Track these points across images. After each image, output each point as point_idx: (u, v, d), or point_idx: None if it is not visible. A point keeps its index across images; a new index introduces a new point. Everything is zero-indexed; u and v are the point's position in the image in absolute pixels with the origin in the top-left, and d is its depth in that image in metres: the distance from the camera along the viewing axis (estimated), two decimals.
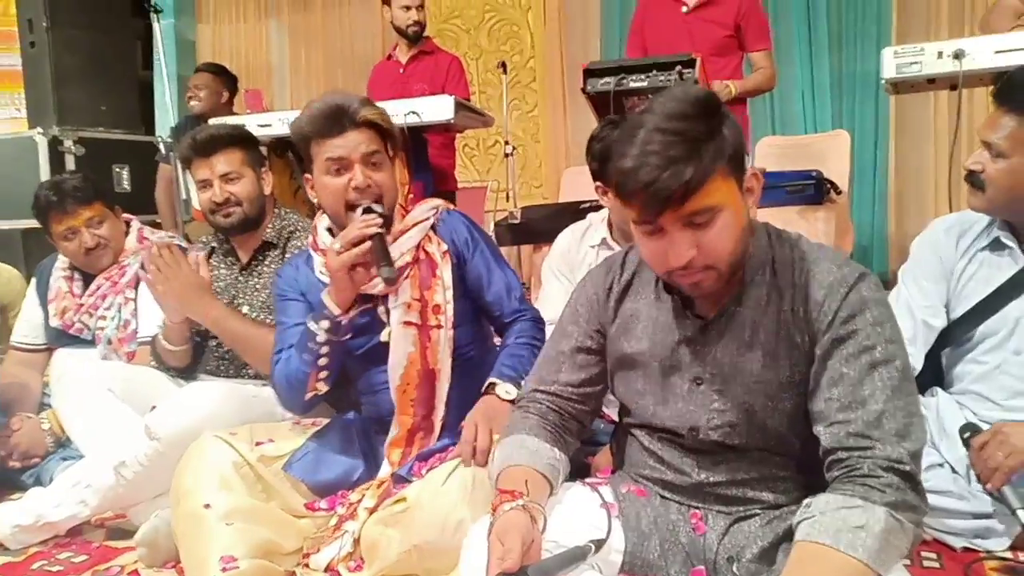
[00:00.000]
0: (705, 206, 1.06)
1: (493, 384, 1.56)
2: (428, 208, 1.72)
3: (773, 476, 1.19)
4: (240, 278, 2.03)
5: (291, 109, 4.15)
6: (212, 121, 3.17)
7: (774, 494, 1.19)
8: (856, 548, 0.96)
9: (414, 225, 1.67)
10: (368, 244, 1.51)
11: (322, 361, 1.58)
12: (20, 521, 1.76)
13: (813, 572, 0.98)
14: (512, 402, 1.50)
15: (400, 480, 1.53)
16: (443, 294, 1.64)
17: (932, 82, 2.42)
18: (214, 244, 2.09)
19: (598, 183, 2.06)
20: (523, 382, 1.47)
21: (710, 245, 1.08)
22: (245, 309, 1.99)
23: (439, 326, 1.63)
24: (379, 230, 1.53)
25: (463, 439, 1.46)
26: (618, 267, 1.31)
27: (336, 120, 1.57)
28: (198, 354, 2.05)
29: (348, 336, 1.61)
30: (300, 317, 1.66)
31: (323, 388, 1.62)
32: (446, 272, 1.65)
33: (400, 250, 1.62)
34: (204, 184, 1.97)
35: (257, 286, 2.01)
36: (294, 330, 1.64)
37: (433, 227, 1.70)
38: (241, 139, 2.01)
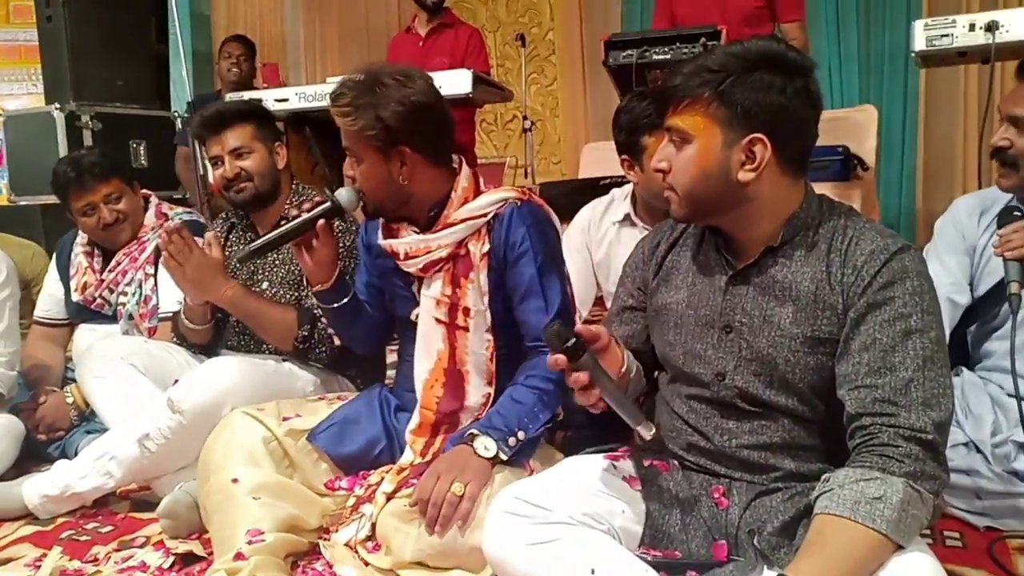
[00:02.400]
0: (677, 126, 1.17)
1: (473, 435, 1.43)
2: (490, 202, 1.56)
3: (796, 443, 1.19)
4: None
5: (307, 83, 4.14)
6: (228, 97, 3.15)
7: (796, 462, 1.19)
8: (874, 519, 0.97)
9: (464, 220, 1.55)
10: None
11: (324, 322, 1.77)
12: (48, 492, 1.78)
13: (832, 545, 0.98)
14: (491, 460, 1.40)
15: (422, 469, 1.52)
16: (476, 298, 1.55)
17: (963, 55, 2.36)
18: (234, 219, 2.09)
19: (624, 156, 2.02)
20: (512, 439, 1.42)
21: (675, 167, 1.19)
22: (265, 284, 1.99)
23: (466, 328, 1.57)
24: (302, 214, 1.56)
25: (419, 493, 1.38)
26: (668, 227, 1.37)
27: None
28: (219, 330, 2.05)
29: (334, 306, 1.66)
30: (362, 275, 1.76)
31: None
32: (482, 276, 1.55)
33: (439, 242, 1.55)
34: (216, 160, 1.96)
35: (277, 261, 2.00)
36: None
37: (490, 223, 1.56)
38: (251, 113, 2.00)
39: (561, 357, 1.09)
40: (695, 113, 1.15)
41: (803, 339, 1.16)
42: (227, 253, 2.01)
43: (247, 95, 2.97)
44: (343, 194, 1.56)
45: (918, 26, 2.27)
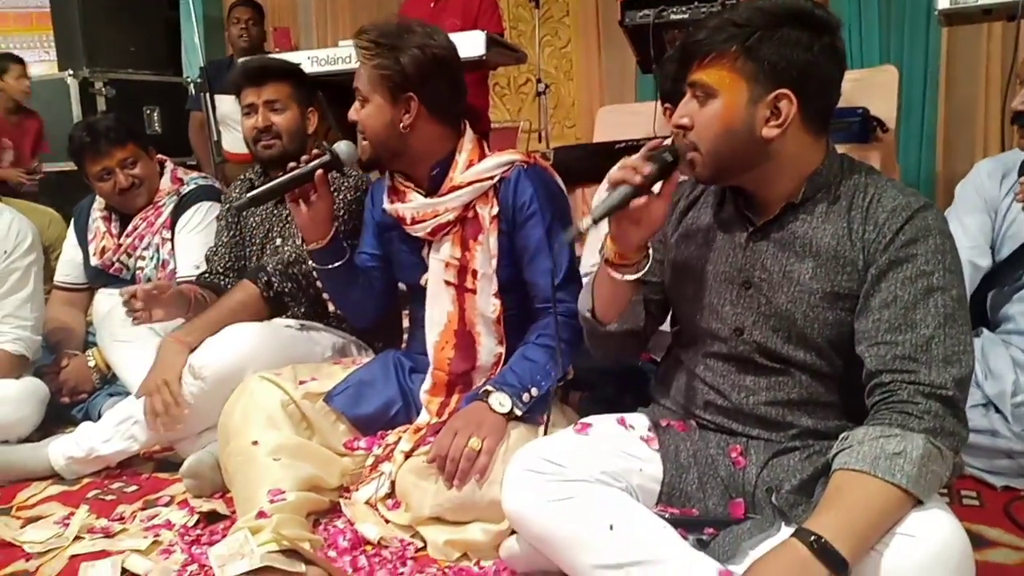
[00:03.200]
0: (702, 80, 1.15)
1: (488, 391, 1.46)
2: (496, 164, 1.58)
3: (814, 400, 1.20)
4: (275, 211, 2.03)
5: (318, 47, 4.10)
6: (242, 60, 3.13)
7: (813, 419, 1.20)
8: (894, 474, 0.97)
9: (471, 183, 1.56)
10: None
11: (319, 285, 1.73)
12: (73, 453, 1.82)
13: (852, 499, 0.98)
14: (506, 416, 1.43)
15: (439, 427, 1.53)
16: (484, 261, 1.57)
17: (988, 12, 2.32)
18: (252, 177, 2.09)
19: (668, 104, 1.99)
20: (526, 395, 1.45)
21: (698, 124, 1.16)
22: (279, 241, 2.00)
23: (473, 291, 1.59)
24: (301, 165, 1.57)
25: (436, 449, 1.41)
26: (688, 186, 1.37)
27: None
28: (281, 306, 2.01)
29: (329, 267, 1.65)
30: (368, 243, 1.75)
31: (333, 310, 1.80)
32: (491, 238, 1.56)
33: (446, 206, 1.57)
34: (249, 110, 1.97)
35: (291, 217, 1.98)
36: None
37: (497, 185, 1.58)
38: (292, 73, 2.02)
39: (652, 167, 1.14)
40: (721, 68, 1.13)
41: (822, 294, 1.16)
42: (247, 213, 2.05)
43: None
44: (342, 147, 1.58)
45: None
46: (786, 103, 1.12)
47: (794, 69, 1.11)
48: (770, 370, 1.21)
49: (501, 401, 1.44)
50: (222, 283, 2.03)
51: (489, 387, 1.47)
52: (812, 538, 0.94)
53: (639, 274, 1.23)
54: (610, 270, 1.23)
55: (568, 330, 1.48)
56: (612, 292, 1.27)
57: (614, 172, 1.15)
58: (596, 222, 1.13)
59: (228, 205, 2.12)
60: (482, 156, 1.60)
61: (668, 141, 1.20)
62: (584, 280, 1.69)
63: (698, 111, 1.17)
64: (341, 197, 1.88)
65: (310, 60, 3.08)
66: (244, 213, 2.04)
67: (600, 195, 2.04)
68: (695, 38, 1.16)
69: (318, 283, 1.80)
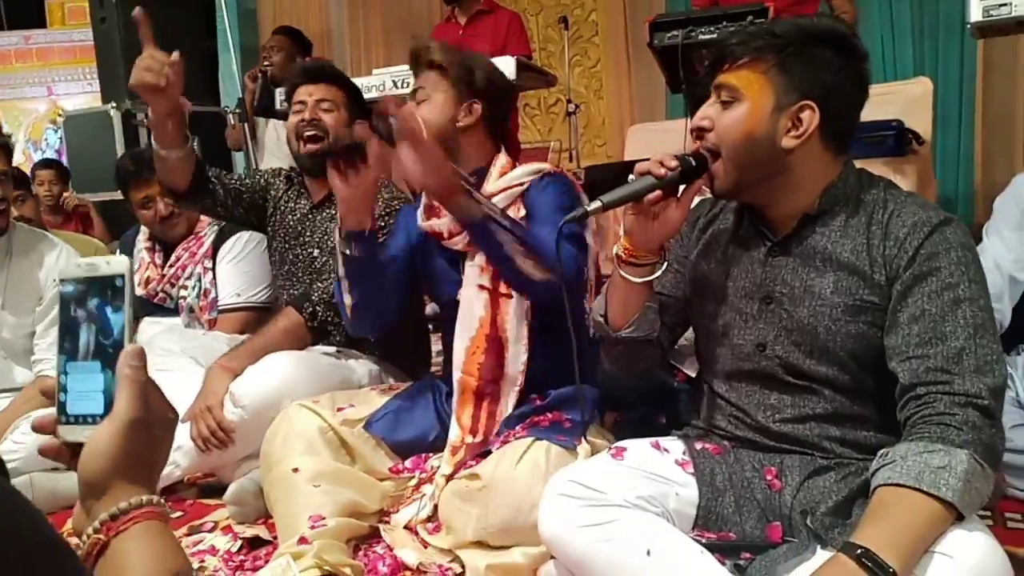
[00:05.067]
0: (730, 83, 1.16)
1: None
2: (526, 172, 1.65)
3: (840, 413, 1.19)
4: (310, 215, 2.06)
5: (352, 76, 4.17)
6: (278, 91, 3.20)
7: (841, 430, 1.19)
8: (940, 488, 0.96)
9: (503, 191, 1.63)
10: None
11: (342, 271, 1.59)
12: None
13: (897, 513, 0.97)
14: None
15: (478, 449, 1.55)
16: None
17: (1023, 24, 2.28)
18: (290, 175, 2.13)
19: None
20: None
21: (719, 127, 1.17)
22: (316, 252, 2.02)
23: (508, 295, 1.61)
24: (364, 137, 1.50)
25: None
26: (708, 203, 1.37)
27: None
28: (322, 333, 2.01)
29: (361, 255, 1.57)
30: (396, 245, 1.75)
31: (349, 303, 1.62)
32: None
33: None
34: (299, 106, 1.98)
35: (329, 228, 2.02)
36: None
37: (524, 193, 1.64)
38: (348, 83, 2.07)
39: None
40: (751, 73, 1.15)
41: (844, 307, 1.16)
42: (284, 210, 2.09)
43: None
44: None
45: None
46: (808, 113, 1.14)
47: (821, 87, 1.14)
48: (794, 387, 1.21)
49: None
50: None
51: None
52: (859, 551, 0.93)
53: (651, 277, 1.24)
54: (621, 269, 1.24)
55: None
56: (624, 294, 1.27)
57: (641, 163, 1.18)
58: (606, 207, 1.16)
59: (269, 187, 2.13)
60: (513, 168, 1.68)
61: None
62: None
63: (720, 114, 1.18)
64: (380, 194, 1.92)
65: None
66: (284, 210, 2.08)
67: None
68: (731, 41, 1.18)
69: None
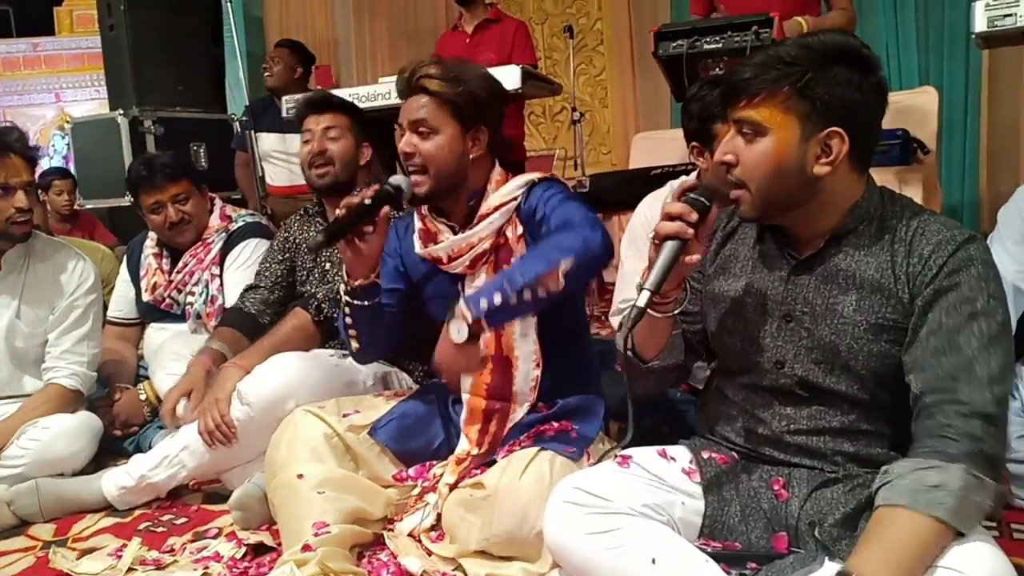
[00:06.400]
0: (752, 119, 1.14)
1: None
2: (517, 187, 1.62)
3: (855, 428, 1.19)
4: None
5: (358, 84, 4.19)
6: (285, 97, 3.22)
7: (855, 446, 1.19)
8: (933, 507, 0.97)
9: (496, 209, 1.59)
10: (344, 212, 1.50)
11: (348, 320, 1.60)
12: (124, 483, 1.87)
13: (891, 535, 0.98)
14: (472, 340, 1.30)
15: (482, 459, 1.55)
16: None
17: None
18: (309, 207, 2.20)
19: (695, 143, 2.01)
20: (512, 290, 1.30)
21: (746, 162, 1.16)
22: (328, 266, 2.07)
23: None
24: (367, 201, 1.49)
25: None
26: (725, 216, 1.36)
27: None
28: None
29: (368, 303, 1.58)
30: (389, 280, 1.68)
31: (357, 347, 1.64)
32: None
33: (479, 236, 1.59)
34: (308, 136, 2.07)
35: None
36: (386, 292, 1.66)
37: (519, 207, 1.61)
38: (351, 108, 2.15)
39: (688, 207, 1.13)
40: (772, 106, 1.13)
41: (867, 326, 1.16)
42: (300, 242, 2.17)
43: (299, 97, 3.04)
44: (399, 178, 1.57)
45: (979, 7, 2.19)
46: (837, 141, 1.12)
47: (845, 108, 1.12)
48: (810, 400, 1.21)
49: (459, 329, 1.29)
50: (262, 312, 2.11)
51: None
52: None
53: (677, 311, 1.23)
54: (650, 311, 1.22)
55: (577, 234, 1.39)
56: (651, 329, 1.27)
57: (663, 226, 1.15)
58: (657, 291, 1.13)
59: (287, 235, 2.21)
60: (507, 180, 1.65)
61: (693, 176, 1.21)
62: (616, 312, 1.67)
63: (745, 148, 1.17)
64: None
65: (351, 97, 3.15)
66: (298, 235, 2.16)
67: (630, 234, 2.02)
68: (743, 76, 1.15)
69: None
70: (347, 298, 1.59)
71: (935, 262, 1.12)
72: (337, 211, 1.54)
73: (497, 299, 1.29)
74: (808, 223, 1.21)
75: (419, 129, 1.58)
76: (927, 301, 1.11)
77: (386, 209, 1.52)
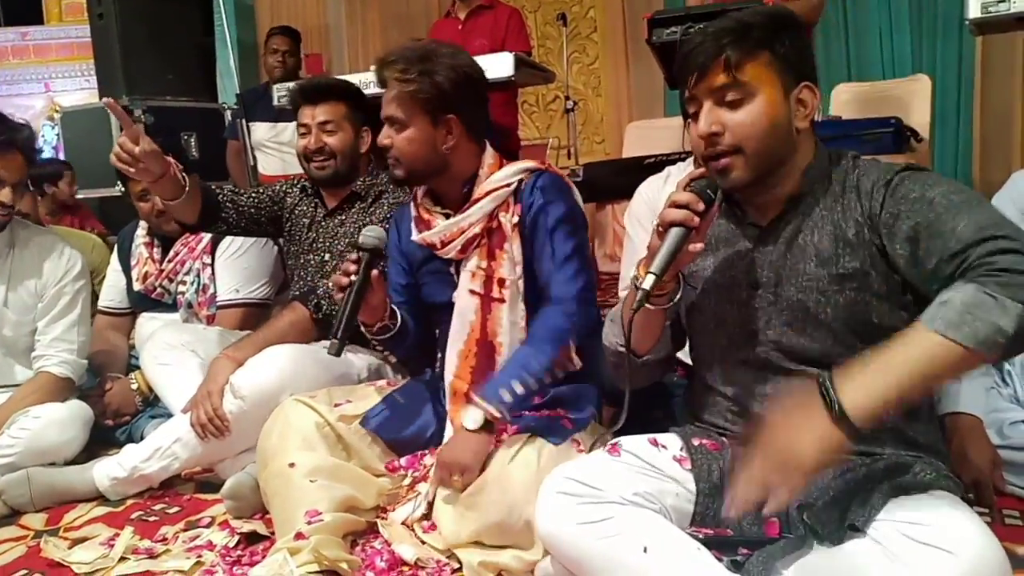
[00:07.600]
0: (738, 81, 1.16)
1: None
2: (513, 173, 1.62)
3: None
4: (323, 222, 2.08)
5: (350, 71, 4.16)
6: (276, 85, 3.20)
7: None
8: (933, 321, 0.98)
9: (489, 193, 1.59)
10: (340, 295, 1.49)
11: (379, 348, 1.67)
12: (117, 474, 1.86)
13: (889, 349, 1.00)
14: (486, 429, 1.43)
15: None
16: (510, 268, 1.59)
17: (1022, 20, 2.27)
18: (306, 184, 2.14)
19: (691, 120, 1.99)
20: (507, 393, 1.44)
21: (739, 126, 1.17)
22: (326, 257, 2.05)
23: (501, 300, 1.60)
24: (354, 278, 1.46)
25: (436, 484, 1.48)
26: None
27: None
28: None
29: (387, 335, 1.63)
30: (396, 276, 1.74)
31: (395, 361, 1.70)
32: (515, 246, 1.59)
33: (470, 220, 1.60)
34: (304, 130, 2.02)
35: (339, 233, 2.05)
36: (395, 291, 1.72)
37: (516, 193, 1.61)
38: (347, 93, 2.06)
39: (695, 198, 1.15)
40: (756, 67, 1.16)
41: (829, 278, 1.18)
42: (298, 214, 2.11)
43: (292, 85, 3.02)
44: (373, 236, 1.50)
45: None
46: (809, 95, 1.19)
47: (807, 66, 1.20)
48: (790, 372, 1.21)
49: (475, 418, 1.43)
50: (224, 203, 2.01)
51: (477, 399, 1.46)
52: (821, 379, 1.00)
53: (673, 302, 1.24)
54: (645, 304, 1.22)
55: (567, 317, 1.52)
56: (647, 323, 1.27)
57: (670, 213, 1.16)
58: (661, 276, 1.14)
59: (285, 194, 2.15)
60: (501, 165, 1.65)
61: (700, 170, 1.21)
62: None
63: (730, 115, 1.18)
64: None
65: None
66: (295, 213, 2.11)
67: (634, 224, 2.01)
68: (722, 42, 1.16)
69: None
70: (371, 337, 1.64)
71: (878, 192, 1.16)
72: (335, 294, 1.53)
73: (519, 388, 1.45)
74: (777, 186, 1.23)
75: (392, 123, 1.58)
76: (890, 227, 1.13)
77: (376, 273, 1.50)
